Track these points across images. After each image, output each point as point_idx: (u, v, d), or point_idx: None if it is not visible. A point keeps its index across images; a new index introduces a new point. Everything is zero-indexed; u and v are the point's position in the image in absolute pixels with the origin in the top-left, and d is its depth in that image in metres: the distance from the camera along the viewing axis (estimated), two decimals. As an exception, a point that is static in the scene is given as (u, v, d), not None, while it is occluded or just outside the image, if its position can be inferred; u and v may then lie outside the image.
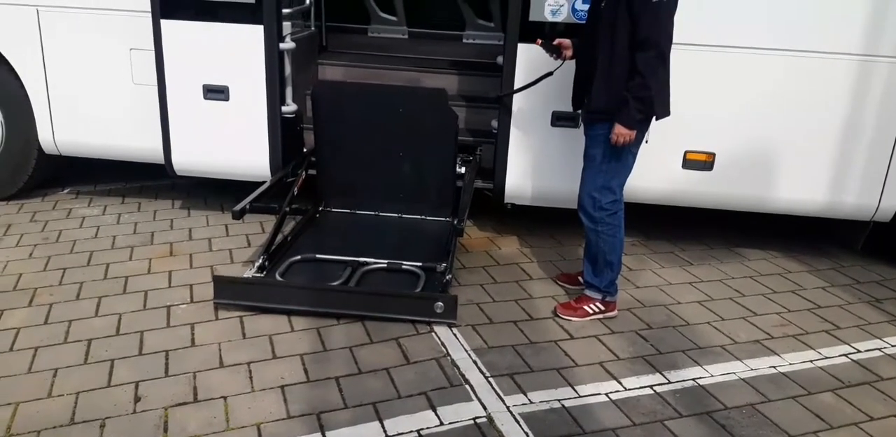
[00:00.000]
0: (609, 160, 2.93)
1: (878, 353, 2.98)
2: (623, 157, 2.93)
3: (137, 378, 2.55)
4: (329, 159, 3.76)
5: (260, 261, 3.21)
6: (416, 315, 2.97)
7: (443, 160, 3.64)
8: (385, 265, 3.28)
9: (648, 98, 2.76)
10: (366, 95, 3.70)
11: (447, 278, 3.10)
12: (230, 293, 3.02)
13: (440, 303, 2.93)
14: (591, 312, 3.11)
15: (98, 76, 3.88)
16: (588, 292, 3.14)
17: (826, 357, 2.92)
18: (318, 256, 3.34)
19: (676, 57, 2.83)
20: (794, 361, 2.88)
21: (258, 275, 3.16)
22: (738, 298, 3.41)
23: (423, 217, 3.79)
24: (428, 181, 3.73)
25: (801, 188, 3.63)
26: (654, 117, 2.89)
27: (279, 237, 3.40)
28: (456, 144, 3.66)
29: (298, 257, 3.32)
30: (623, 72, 2.76)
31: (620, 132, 2.81)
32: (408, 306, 2.97)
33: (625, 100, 2.75)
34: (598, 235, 3.02)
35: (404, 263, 3.28)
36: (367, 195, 3.80)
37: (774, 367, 2.83)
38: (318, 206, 3.85)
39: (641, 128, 2.87)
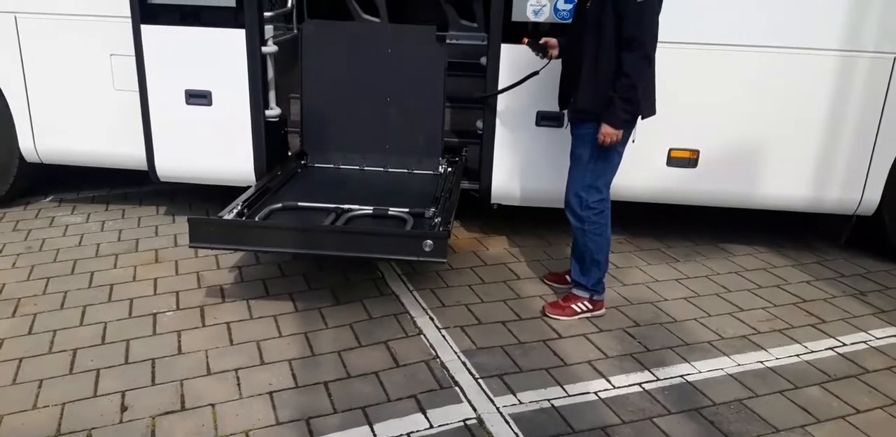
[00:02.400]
0: (595, 160, 2.94)
1: (863, 346, 3.00)
2: (609, 156, 2.94)
3: (124, 388, 2.53)
4: (315, 106, 3.69)
5: (239, 208, 3.08)
6: (404, 255, 2.84)
7: (431, 104, 3.60)
8: (371, 211, 3.20)
9: (635, 98, 2.77)
10: (355, 33, 3.67)
11: (436, 220, 3.02)
12: (206, 236, 2.89)
13: (429, 241, 2.78)
14: (578, 310, 3.12)
15: (78, 83, 3.85)
16: (576, 291, 3.15)
17: (812, 351, 2.95)
18: (299, 204, 3.26)
19: (660, 55, 2.84)
20: (781, 355, 2.90)
21: None
22: (724, 293, 3.43)
23: (409, 171, 3.74)
24: (416, 128, 3.67)
25: (785, 184, 3.66)
26: (641, 117, 2.90)
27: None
28: (444, 86, 3.60)
29: (279, 204, 3.23)
30: (609, 71, 2.77)
31: (607, 132, 2.82)
32: (396, 246, 2.84)
33: (611, 100, 2.76)
34: (585, 234, 3.03)
35: (391, 209, 3.20)
36: (352, 147, 3.73)
37: (761, 362, 2.85)
38: (300, 159, 3.82)
39: (628, 127, 2.88)
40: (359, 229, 3.03)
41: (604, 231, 3.04)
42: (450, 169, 3.73)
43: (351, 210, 3.20)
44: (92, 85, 3.83)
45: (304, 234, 2.90)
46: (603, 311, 3.16)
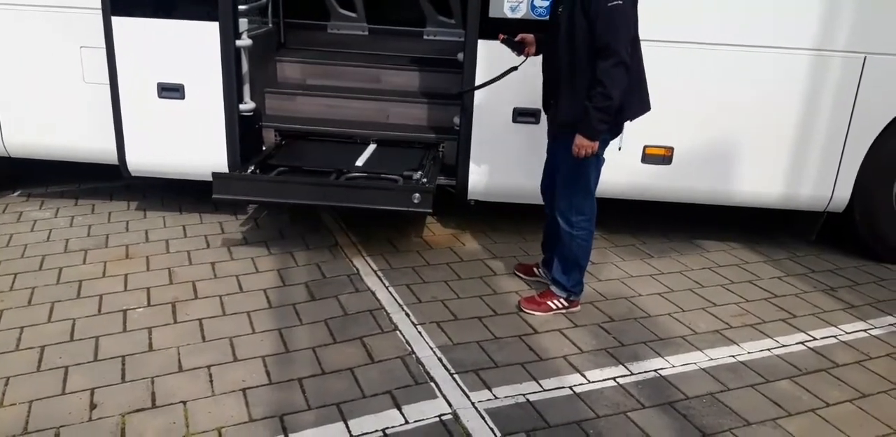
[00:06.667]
0: (586, 167, 2.88)
1: (833, 340, 3.05)
2: (598, 162, 2.91)
3: (93, 385, 2.48)
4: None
5: (252, 167, 3.60)
6: (396, 206, 3.32)
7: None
8: (366, 174, 3.66)
9: (610, 109, 2.68)
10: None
11: (423, 181, 3.50)
12: (228, 189, 3.35)
13: (417, 194, 3.27)
14: (554, 307, 3.12)
15: (47, 75, 3.76)
16: (553, 289, 3.15)
17: (783, 345, 2.99)
18: (304, 167, 3.72)
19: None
20: (753, 349, 2.94)
21: None
22: (697, 289, 3.47)
23: (397, 148, 4.11)
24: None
25: (758, 181, 3.70)
26: (630, 118, 2.85)
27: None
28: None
29: (287, 167, 3.70)
30: (586, 82, 2.69)
31: (581, 144, 2.75)
32: (390, 198, 3.33)
33: (586, 110, 2.68)
34: (573, 239, 3.00)
35: (383, 172, 3.67)
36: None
37: (733, 356, 2.88)
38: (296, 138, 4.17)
39: (610, 134, 2.84)
40: (359, 183, 3.55)
41: (590, 238, 3.03)
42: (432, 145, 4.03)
43: (349, 172, 3.65)
44: (61, 78, 3.75)
45: (313, 187, 3.41)
46: (578, 308, 3.17)
